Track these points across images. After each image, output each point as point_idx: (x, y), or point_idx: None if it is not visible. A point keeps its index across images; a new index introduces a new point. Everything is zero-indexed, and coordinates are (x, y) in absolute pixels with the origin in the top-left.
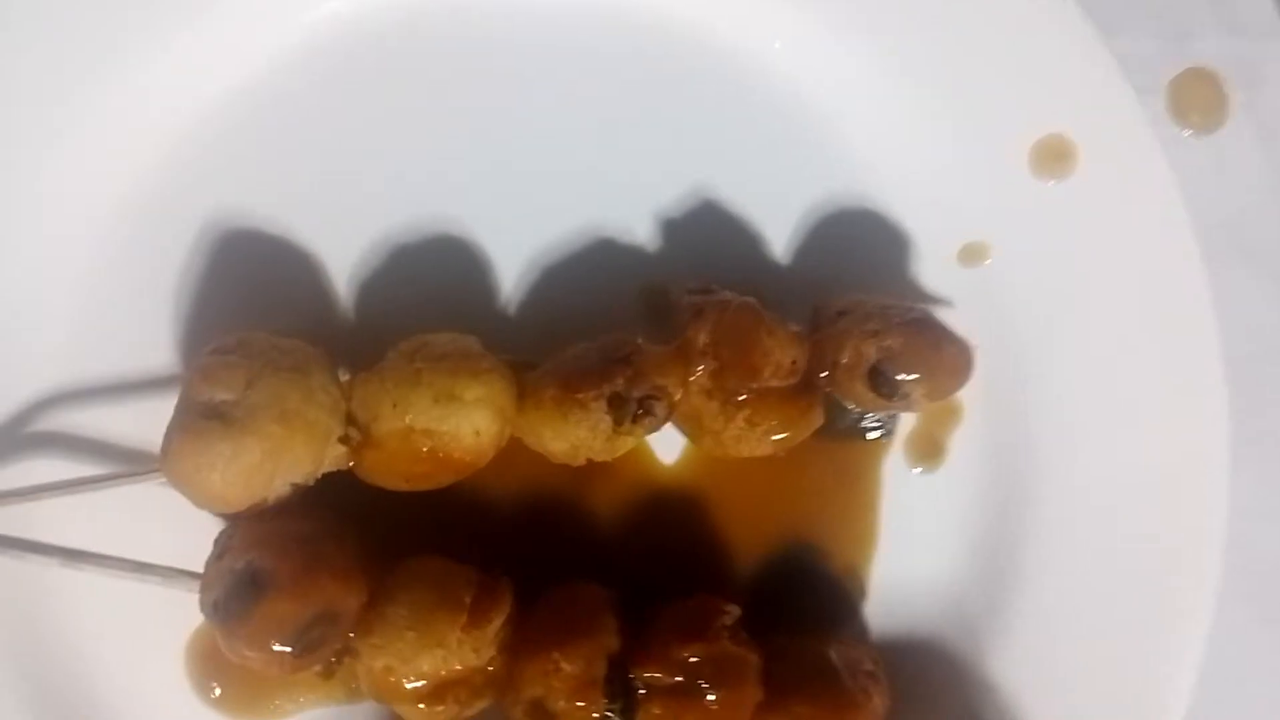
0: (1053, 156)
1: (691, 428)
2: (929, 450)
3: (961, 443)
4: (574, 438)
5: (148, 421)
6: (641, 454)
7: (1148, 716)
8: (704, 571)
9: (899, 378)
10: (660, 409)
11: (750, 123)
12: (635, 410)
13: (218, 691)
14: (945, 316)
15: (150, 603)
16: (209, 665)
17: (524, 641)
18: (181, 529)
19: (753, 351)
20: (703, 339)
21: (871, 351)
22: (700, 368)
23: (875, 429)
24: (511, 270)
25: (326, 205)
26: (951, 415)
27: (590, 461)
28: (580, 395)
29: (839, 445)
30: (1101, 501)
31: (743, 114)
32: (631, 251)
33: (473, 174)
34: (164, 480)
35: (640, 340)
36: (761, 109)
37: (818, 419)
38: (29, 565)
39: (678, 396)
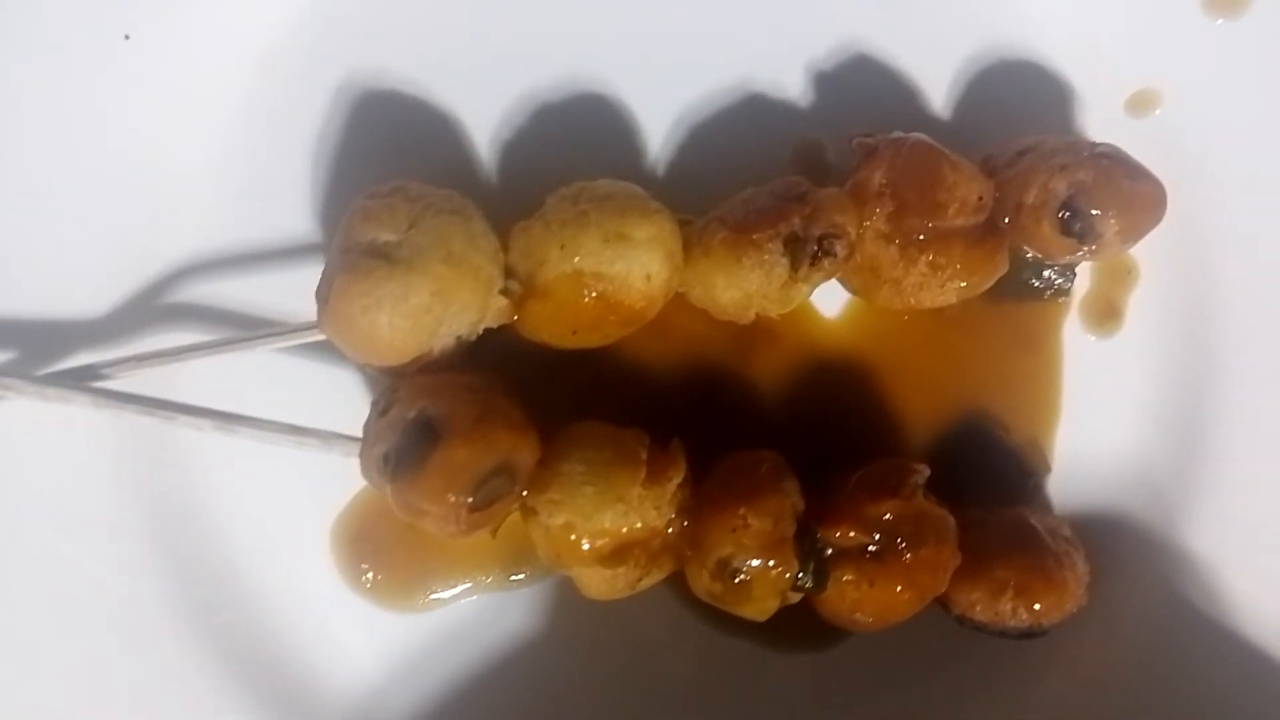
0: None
1: (866, 280)
2: (1106, 314)
3: (1139, 306)
4: (748, 284)
5: (291, 289)
6: (805, 318)
7: None
8: (876, 443)
9: (1093, 213)
10: (840, 247)
11: None
12: (814, 250)
13: (371, 577)
14: None
15: (294, 487)
16: (361, 548)
17: (706, 503)
18: (333, 399)
19: (936, 187)
20: (878, 178)
21: (1061, 187)
22: (878, 209)
23: (1053, 288)
24: (659, 129)
25: (466, 65)
26: (1128, 275)
27: (757, 322)
28: (755, 236)
29: (1014, 309)
30: None
31: None
32: (783, 107)
33: (617, 29)
34: (320, 337)
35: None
36: None
37: (1003, 264)
38: (179, 429)
39: (854, 239)
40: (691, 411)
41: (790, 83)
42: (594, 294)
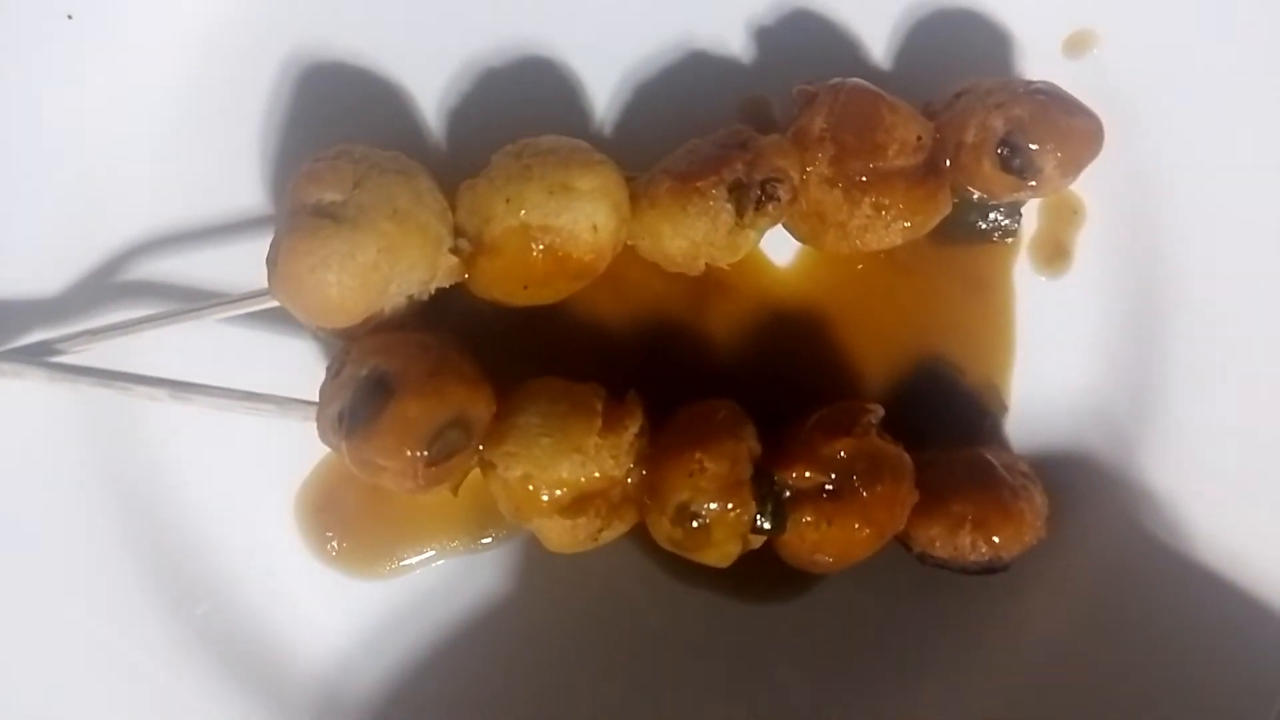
0: None
1: (813, 226)
2: (1055, 254)
3: (1087, 245)
4: (694, 233)
5: (243, 259)
6: (758, 269)
7: None
8: (832, 390)
9: (1031, 148)
10: (784, 191)
11: None
12: (758, 195)
13: (337, 545)
14: None
15: (256, 457)
16: (325, 516)
17: (663, 451)
18: (289, 367)
19: (875, 128)
20: (819, 123)
21: (999, 123)
22: (819, 154)
23: (1000, 229)
24: (604, 89)
25: (411, 32)
26: (1074, 215)
27: (708, 273)
28: (699, 184)
29: (963, 252)
30: (1238, 297)
31: None
32: (726, 63)
33: None
34: (272, 303)
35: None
36: None
37: (946, 204)
38: (135, 400)
39: (798, 185)
40: (649, 366)
41: (733, 38)
42: (542, 247)
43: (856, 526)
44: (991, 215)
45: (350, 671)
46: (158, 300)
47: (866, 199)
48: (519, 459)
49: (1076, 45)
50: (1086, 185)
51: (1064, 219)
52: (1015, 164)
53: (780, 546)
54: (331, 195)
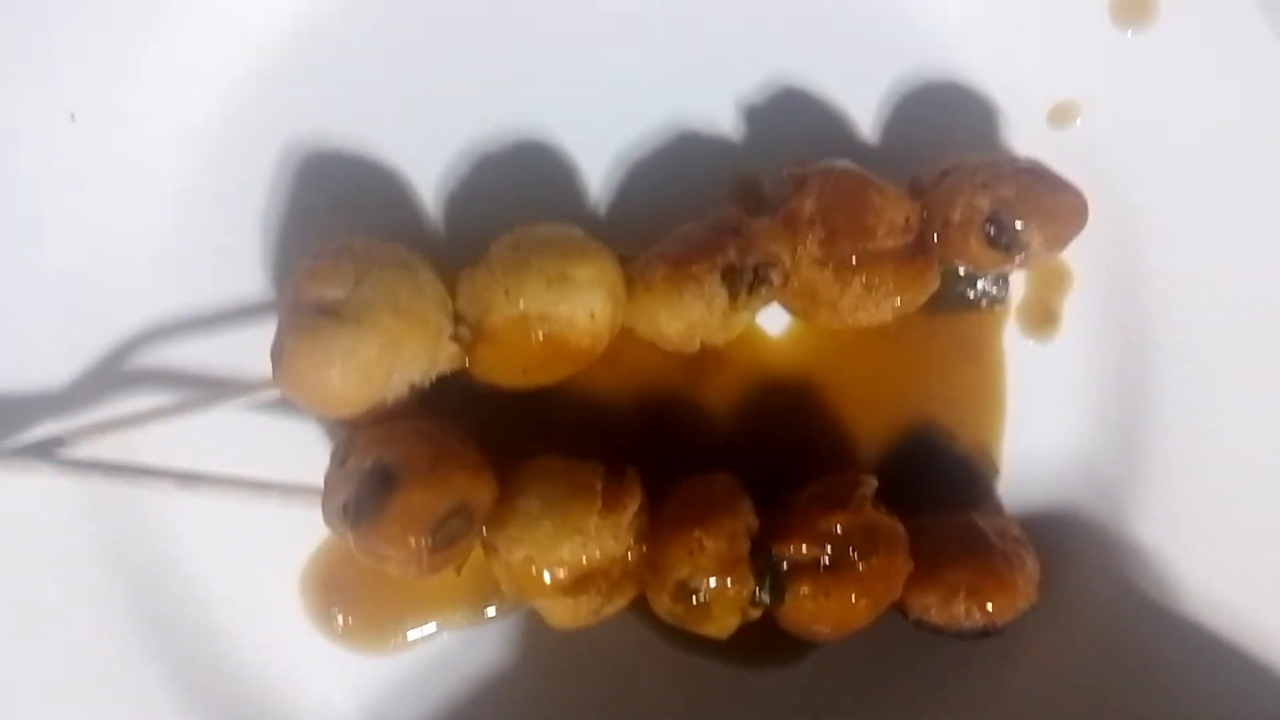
0: (1133, 6)
1: (805, 304)
2: (1043, 318)
3: (1075, 309)
4: (690, 315)
5: (246, 348)
6: (751, 340)
7: None
8: (827, 459)
9: (1017, 226)
10: (776, 275)
11: (826, 3)
12: (750, 279)
13: (343, 621)
14: None
15: (262, 538)
16: (331, 593)
17: (662, 527)
18: (293, 451)
19: (864, 211)
20: (809, 206)
21: (985, 203)
22: (810, 236)
23: (988, 297)
24: (598, 170)
25: (407, 120)
26: (1062, 279)
27: (704, 347)
28: (693, 269)
29: (954, 319)
30: (1224, 355)
31: None
32: (718, 141)
33: (550, 75)
34: (276, 394)
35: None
36: None
37: (935, 280)
38: (144, 492)
39: (789, 268)
40: (645, 440)
41: (723, 117)
42: (541, 335)
43: (853, 598)
44: (979, 284)
45: None
46: (165, 390)
47: (857, 279)
48: (521, 542)
49: (1061, 115)
50: (1073, 251)
51: (1051, 284)
52: (1002, 241)
53: (780, 617)
54: (333, 292)
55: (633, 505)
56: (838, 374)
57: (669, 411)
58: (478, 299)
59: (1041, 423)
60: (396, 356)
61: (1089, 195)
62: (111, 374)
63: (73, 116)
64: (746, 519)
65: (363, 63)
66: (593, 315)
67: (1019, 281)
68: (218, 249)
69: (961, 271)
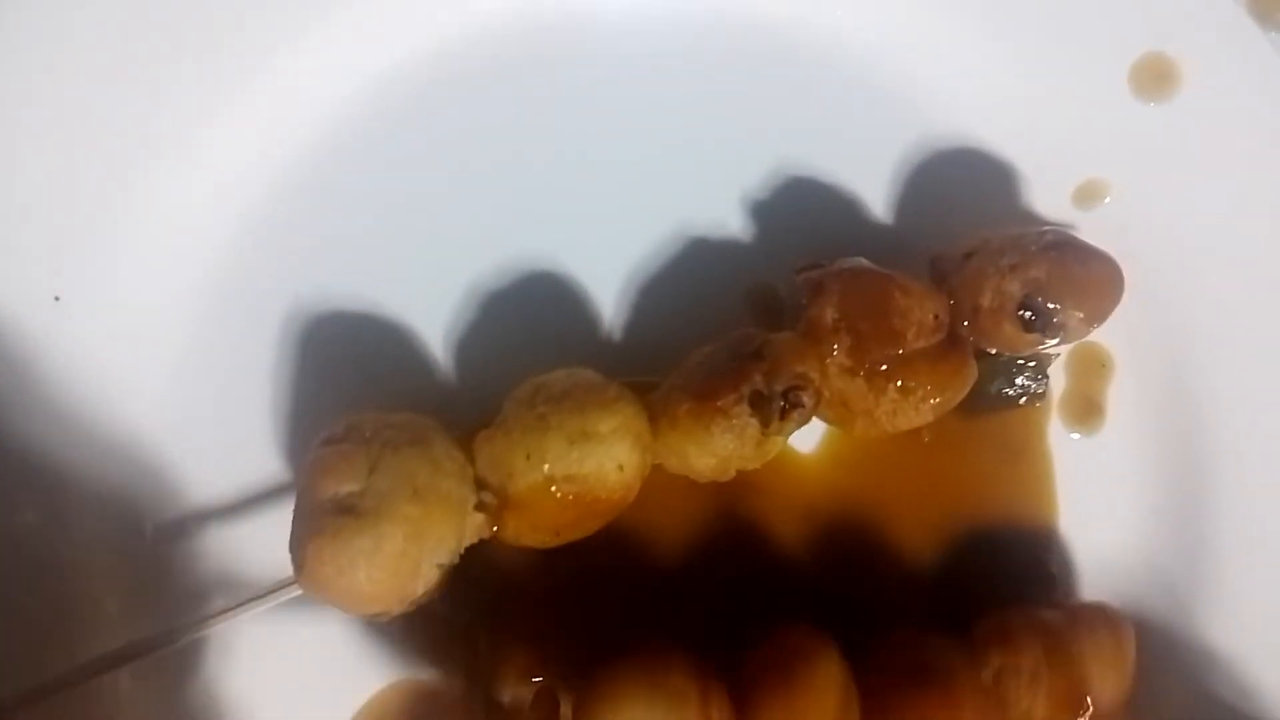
0: (1154, 77)
1: (839, 414)
2: (1087, 410)
3: (1119, 398)
4: (721, 450)
5: (263, 540)
6: (787, 467)
7: None
8: (883, 583)
9: (1052, 308)
10: (807, 398)
11: (826, 89)
12: (781, 405)
13: None
14: None
15: None
16: None
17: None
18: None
19: (890, 314)
20: (830, 314)
21: (1015, 287)
22: (835, 346)
23: (1028, 394)
24: (609, 293)
25: (404, 270)
26: (1103, 369)
27: (738, 478)
28: (720, 403)
29: (993, 421)
30: (1278, 439)
31: (817, 80)
32: (729, 246)
33: (549, 204)
34: (300, 594)
35: (765, 332)
36: (835, 73)
37: (972, 374)
38: None
39: (821, 385)
40: (691, 581)
41: (732, 221)
42: (569, 495)
43: None
44: (1019, 380)
45: None
46: (186, 599)
47: (891, 385)
48: None
49: (1087, 195)
50: (1112, 336)
51: (1092, 373)
52: (1038, 325)
53: None
54: (348, 486)
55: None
56: (879, 489)
57: (709, 548)
58: (498, 465)
59: (1097, 520)
60: (422, 545)
61: (1124, 276)
62: (129, 580)
63: (57, 298)
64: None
65: (353, 217)
66: (621, 468)
67: (1059, 373)
68: (221, 431)
69: (1000, 361)
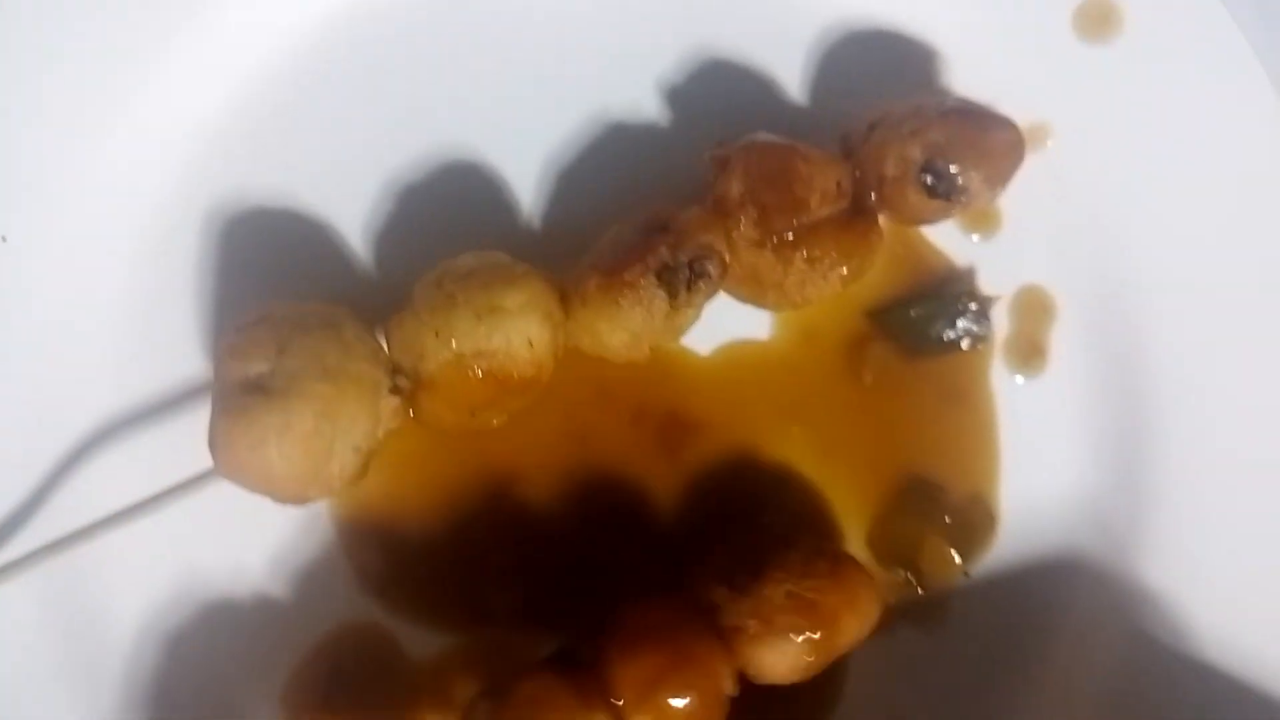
0: (1097, 19)
1: (751, 289)
2: (1030, 353)
3: (1063, 341)
4: (632, 323)
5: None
6: (728, 406)
7: None
8: (815, 521)
9: (953, 170)
10: (713, 267)
11: None
12: (687, 275)
13: None
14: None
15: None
16: None
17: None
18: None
19: (792, 183)
20: (736, 188)
21: (916, 152)
22: (742, 219)
23: (970, 336)
24: (527, 183)
25: (323, 165)
26: (1046, 312)
27: (676, 417)
28: (627, 275)
29: (935, 365)
30: (1221, 379)
31: None
32: (645, 130)
33: (462, 94)
34: (220, 478)
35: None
36: None
37: (879, 242)
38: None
39: (727, 256)
40: (621, 523)
41: (648, 105)
42: (481, 373)
43: None
44: (961, 323)
45: None
46: (117, 493)
47: (798, 254)
48: None
49: (1031, 138)
50: (1056, 279)
51: (1035, 317)
52: (940, 189)
53: None
54: (257, 367)
55: None
56: (821, 434)
57: (645, 486)
58: (409, 346)
59: (1038, 464)
60: (335, 423)
61: (1066, 222)
62: (59, 484)
63: (4, 239)
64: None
65: (271, 117)
66: (531, 343)
67: (1002, 317)
68: (156, 341)
69: (940, 311)
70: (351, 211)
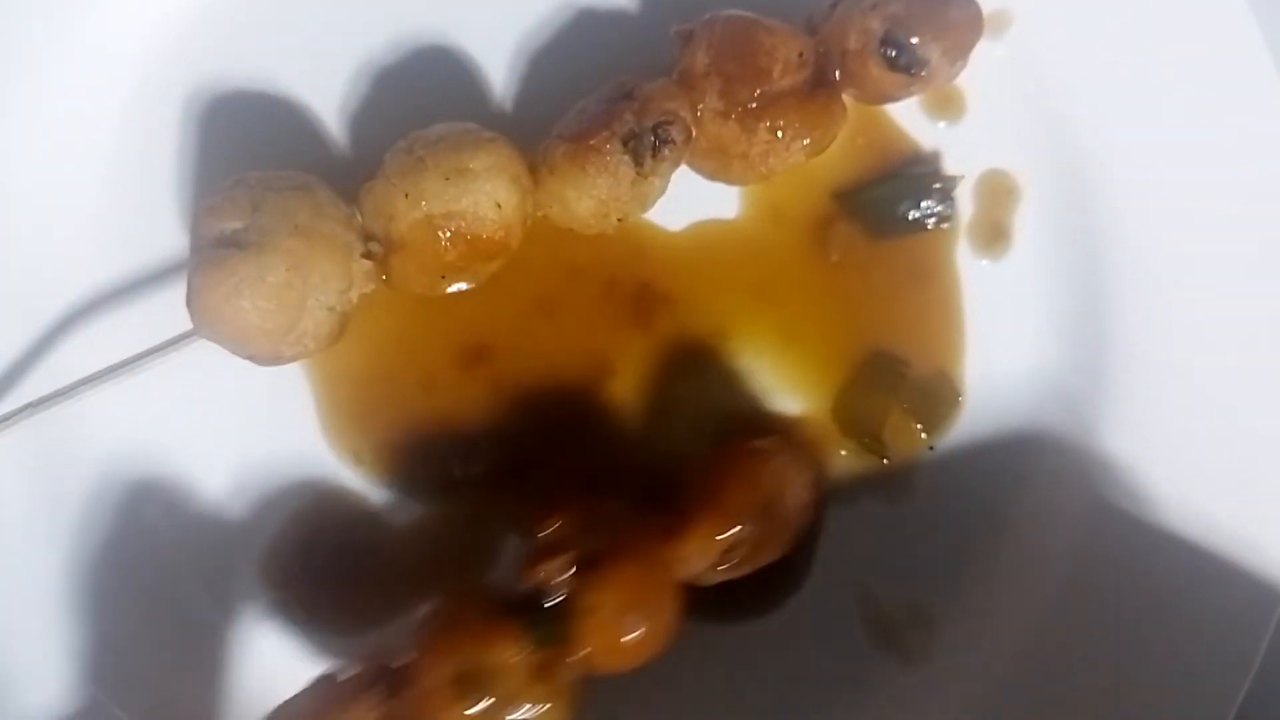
0: None
1: (717, 162)
2: (994, 235)
3: (1026, 223)
4: (598, 191)
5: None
6: (696, 285)
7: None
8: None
9: (913, 42)
10: (677, 132)
11: None
12: (653, 141)
13: None
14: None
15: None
16: None
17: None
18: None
19: (755, 53)
20: (701, 59)
21: (876, 24)
22: (707, 89)
23: (936, 216)
24: (500, 64)
25: (301, 46)
26: (1009, 195)
27: (645, 291)
28: (593, 142)
29: (901, 244)
30: (1179, 259)
31: None
32: (614, 10)
33: None
34: (200, 341)
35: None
36: None
37: (842, 114)
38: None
39: (692, 124)
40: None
41: None
42: (449, 234)
43: None
44: (924, 203)
45: None
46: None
47: (761, 124)
48: None
49: (993, 23)
50: (1019, 163)
51: (999, 200)
52: (901, 61)
53: None
54: (232, 223)
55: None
56: (787, 311)
57: (614, 357)
58: (380, 210)
59: (1002, 342)
60: (306, 278)
61: (1028, 107)
62: (44, 350)
63: None
64: None
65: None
66: (499, 205)
67: (966, 199)
68: (137, 215)
69: (904, 191)
70: (327, 92)
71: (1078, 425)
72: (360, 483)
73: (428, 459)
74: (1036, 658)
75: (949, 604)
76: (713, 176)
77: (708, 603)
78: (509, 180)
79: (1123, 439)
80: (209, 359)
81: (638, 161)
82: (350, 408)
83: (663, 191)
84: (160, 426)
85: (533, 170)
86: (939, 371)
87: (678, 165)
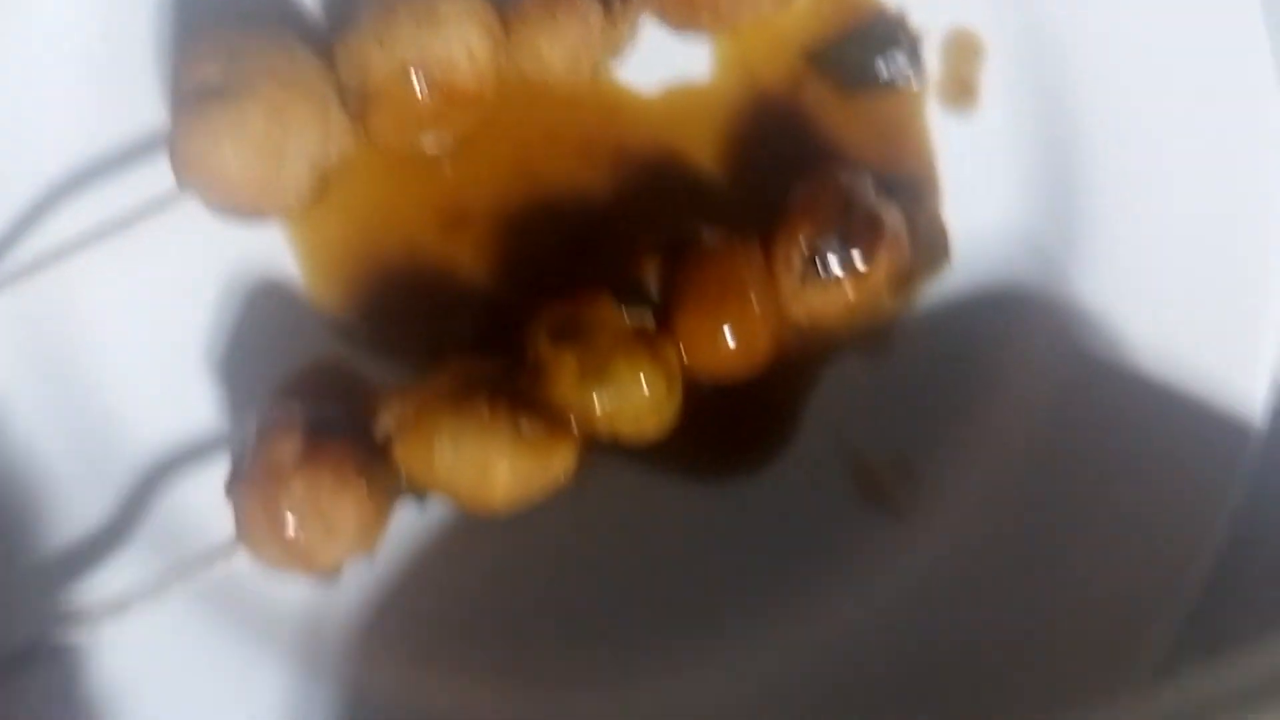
0: None
1: (684, 13)
2: (961, 92)
3: (992, 81)
4: (569, 37)
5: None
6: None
7: (1248, 313)
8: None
9: None
10: None
11: None
12: None
13: None
14: None
15: None
16: None
17: None
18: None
19: None
20: None
21: None
22: None
23: (903, 74)
24: None
25: None
26: (975, 53)
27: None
28: None
29: (871, 103)
30: (1146, 105)
31: None
32: None
33: None
34: (180, 195)
35: None
36: None
37: None
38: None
39: None
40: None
41: None
42: (424, 83)
43: None
44: (893, 60)
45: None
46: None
47: None
48: None
49: None
50: (983, 21)
51: (965, 58)
52: None
53: None
54: (209, 70)
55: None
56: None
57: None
58: (354, 62)
59: (975, 199)
60: (285, 128)
61: None
62: (27, 221)
63: None
64: None
65: None
66: (471, 54)
67: (934, 60)
68: (118, 89)
69: (872, 45)
70: None
71: (1053, 277)
72: (347, 348)
73: (414, 322)
74: (1023, 504)
75: (932, 457)
76: (682, 27)
77: (697, 463)
78: (480, 27)
79: (1096, 287)
80: (191, 228)
81: (606, 4)
82: (334, 272)
83: (632, 37)
84: (146, 295)
85: (505, 25)
86: (930, 214)
87: (644, 10)
